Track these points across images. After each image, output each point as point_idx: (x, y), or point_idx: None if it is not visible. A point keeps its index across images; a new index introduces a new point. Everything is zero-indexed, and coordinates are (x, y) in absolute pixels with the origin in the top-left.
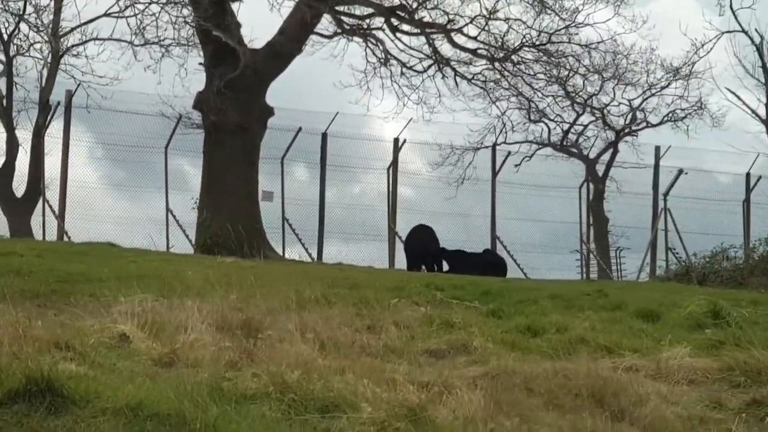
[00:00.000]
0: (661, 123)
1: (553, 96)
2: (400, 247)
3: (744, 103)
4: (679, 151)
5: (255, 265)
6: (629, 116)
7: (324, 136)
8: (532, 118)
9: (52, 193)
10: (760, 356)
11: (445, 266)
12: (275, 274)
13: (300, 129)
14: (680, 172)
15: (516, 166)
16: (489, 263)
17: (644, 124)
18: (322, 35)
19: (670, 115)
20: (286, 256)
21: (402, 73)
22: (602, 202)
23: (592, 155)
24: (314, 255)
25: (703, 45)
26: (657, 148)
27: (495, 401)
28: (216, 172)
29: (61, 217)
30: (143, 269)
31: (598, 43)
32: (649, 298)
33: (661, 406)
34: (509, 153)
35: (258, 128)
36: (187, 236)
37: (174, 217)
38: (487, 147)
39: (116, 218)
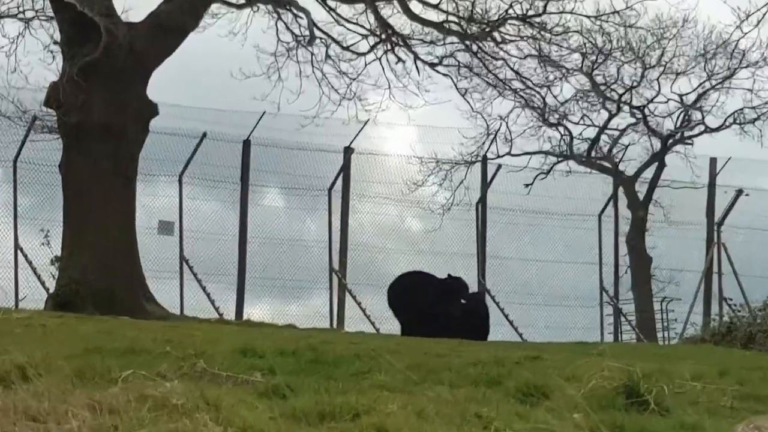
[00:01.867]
0: (722, 126)
1: (546, 87)
2: (350, 301)
3: None
4: (744, 164)
5: (43, 323)
6: (680, 117)
7: (246, 144)
8: (547, 119)
9: None
10: None
11: None
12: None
13: (205, 134)
14: (739, 193)
15: (527, 186)
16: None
17: (701, 129)
18: (228, 3)
19: (736, 115)
20: (186, 312)
21: (328, 56)
22: (644, 235)
23: (630, 171)
24: (230, 309)
25: (747, 16)
26: (713, 161)
27: None
28: (76, 194)
29: None
30: None
31: (611, 13)
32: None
33: None
34: (499, 167)
35: (135, 132)
36: (42, 283)
37: (26, 257)
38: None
39: None
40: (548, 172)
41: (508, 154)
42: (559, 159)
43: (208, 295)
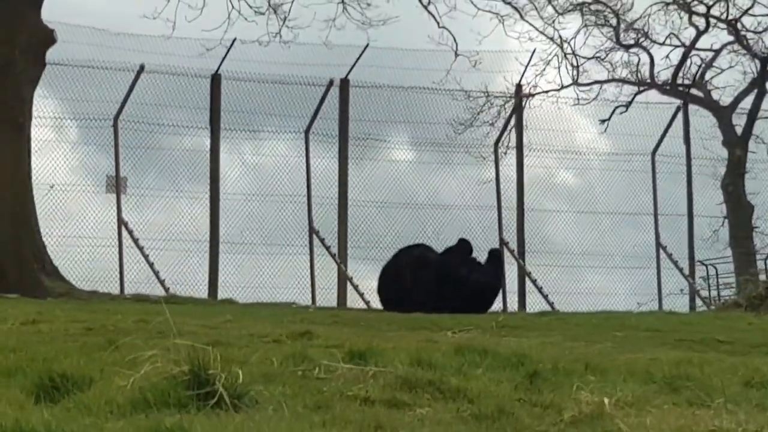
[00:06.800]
0: None
1: None
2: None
3: None
4: None
5: None
6: None
7: (216, 79)
8: (621, 40)
9: None
10: None
11: None
12: None
13: (142, 67)
14: None
15: (603, 122)
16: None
17: None
18: None
19: None
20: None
21: None
22: (743, 178)
23: (726, 101)
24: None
25: None
26: None
27: None
28: None
29: None
30: None
31: None
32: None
33: None
34: (525, 96)
35: (26, 65)
36: None
37: None
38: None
39: None
40: (628, 104)
41: (575, 83)
42: (641, 89)
43: (151, 265)
